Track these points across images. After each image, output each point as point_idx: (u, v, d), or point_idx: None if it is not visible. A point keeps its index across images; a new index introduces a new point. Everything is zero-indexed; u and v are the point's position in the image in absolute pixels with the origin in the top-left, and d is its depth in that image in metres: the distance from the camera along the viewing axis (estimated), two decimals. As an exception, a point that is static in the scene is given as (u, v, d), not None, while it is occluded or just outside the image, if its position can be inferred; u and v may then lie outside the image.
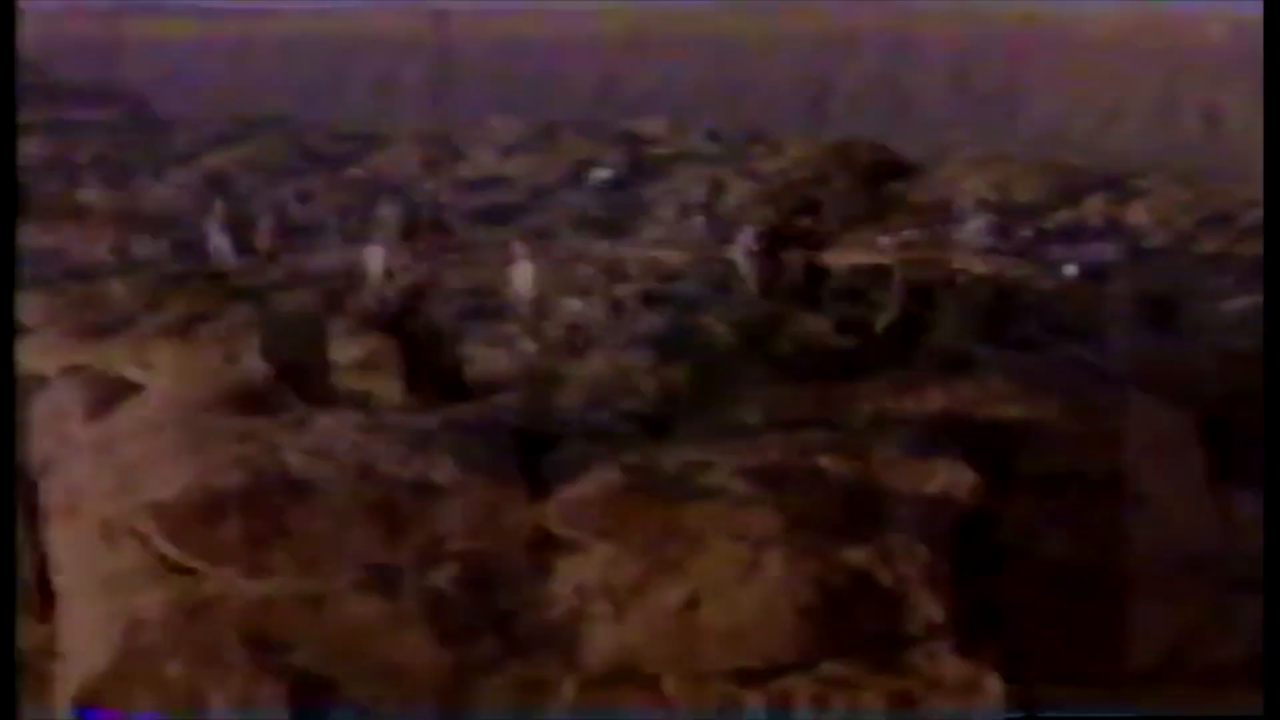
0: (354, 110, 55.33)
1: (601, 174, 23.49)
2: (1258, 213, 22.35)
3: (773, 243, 15.68)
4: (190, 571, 10.98)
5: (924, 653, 11.61)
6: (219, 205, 18.30)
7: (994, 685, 11.72)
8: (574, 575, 11.14)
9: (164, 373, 14.32)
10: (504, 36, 64.61)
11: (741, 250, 15.69)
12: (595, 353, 12.84)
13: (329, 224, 19.81)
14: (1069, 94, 57.99)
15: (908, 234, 18.71)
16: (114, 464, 11.52)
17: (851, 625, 11.51)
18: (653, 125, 27.83)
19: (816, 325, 12.99)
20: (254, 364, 12.58)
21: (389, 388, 12.35)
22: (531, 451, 11.57)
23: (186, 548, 10.85)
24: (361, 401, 12.04)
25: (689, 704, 11.37)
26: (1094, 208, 22.07)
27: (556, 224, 19.96)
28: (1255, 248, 20.53)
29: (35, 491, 14.27)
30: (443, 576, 10.96)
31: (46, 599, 13.96)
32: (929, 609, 11.53)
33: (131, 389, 14.60)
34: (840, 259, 14.72)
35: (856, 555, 11.39)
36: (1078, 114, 56.89)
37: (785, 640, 11.37)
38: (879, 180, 23.24)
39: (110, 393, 14.71)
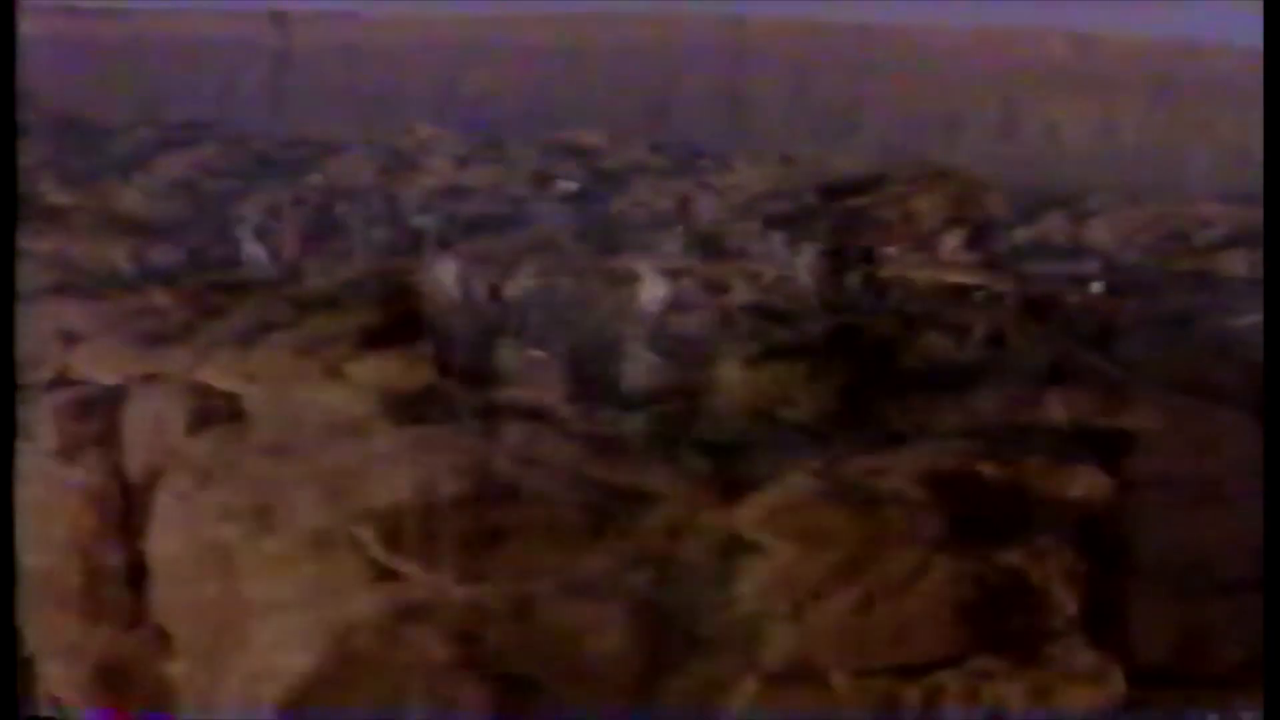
0: (198, 114, 54.60)
1: (568, 186, 23.96)
2: (1211, 231, 23.61)
3: (835, 260, 16.40)
4: (400, 577, 11.42)
5: (1060, 646, 12.42)
6: (252, 213, 18.49)
7: (1117, 675, 12.59)
8: (758, 577, 11.84)
9: (268, 383, 14.61)
10: (342, 42, 64.31)
11: (805, 267, 16.37)
12: (723, 364, 13.47)
13: (355, 231, 19.94)
14: (909, 106, 59.46)
15: (888, 250, 19.47)
16: (308, 472, 11.88)
17: (1002, 622, 12.30)
18: (591, 136, 28.42)
19: (938, 339, 13.74)
20: (425, 373, 12.94)
21: (548, 397, 12.84)
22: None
23: (404, 554, 11.26)
24: (528, 411, 12.51)
25: (854, 700, 12.07)
26: (1054, 225, 23.09)
27: (556, 236, 20.42)
28: (1221, 264, 21.73)
29: (134, 499, 14.59)
30: (641, 579, 11.57)
31: (138, 604, 14.27)
32: (1068, 605, 12.35)
33: (227, 399, 14.95)
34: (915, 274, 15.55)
35: (1010, 556, 12.21)
36: (918, 126, 58.35)
37: (945, 637, 12.07)
38: (836, 197, 24.08)
39: (208, 402, 15.00)
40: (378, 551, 11.25)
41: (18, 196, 16.31)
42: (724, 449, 12.11)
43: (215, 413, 14.27)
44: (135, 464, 14.34)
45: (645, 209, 23.21)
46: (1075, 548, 12.31)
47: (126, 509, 14.11)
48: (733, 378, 13.12)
